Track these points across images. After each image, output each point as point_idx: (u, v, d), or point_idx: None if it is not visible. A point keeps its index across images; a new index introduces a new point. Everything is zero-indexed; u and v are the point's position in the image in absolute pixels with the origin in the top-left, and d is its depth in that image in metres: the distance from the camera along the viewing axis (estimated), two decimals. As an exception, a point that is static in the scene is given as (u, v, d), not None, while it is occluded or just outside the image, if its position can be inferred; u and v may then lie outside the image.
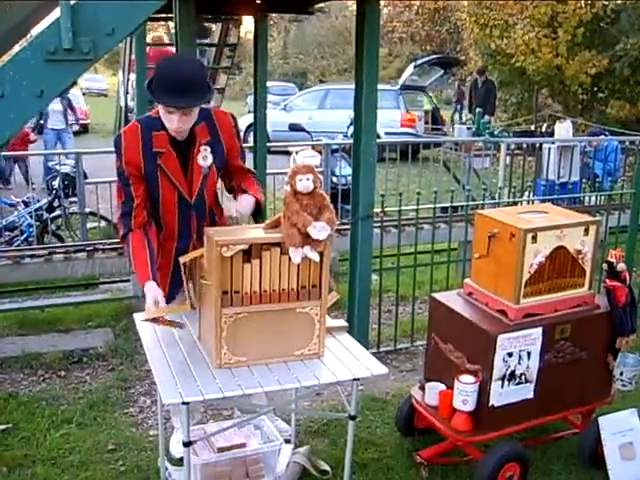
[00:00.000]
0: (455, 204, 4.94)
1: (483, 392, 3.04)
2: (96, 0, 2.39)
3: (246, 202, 2.87)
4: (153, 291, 2.72)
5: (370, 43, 4.10)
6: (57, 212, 7.27)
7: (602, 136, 10.31)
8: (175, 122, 2.74)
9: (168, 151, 2.84)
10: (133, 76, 8.26)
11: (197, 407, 3.37)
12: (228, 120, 2.99)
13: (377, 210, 4.55)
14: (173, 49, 10.45)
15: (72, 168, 7.37)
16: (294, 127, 9.57)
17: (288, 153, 8.74)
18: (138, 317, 2.97)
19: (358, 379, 2.59)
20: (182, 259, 2.71)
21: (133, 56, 8.06)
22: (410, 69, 15.63)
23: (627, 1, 14.36)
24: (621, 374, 3.41)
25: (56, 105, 11.12)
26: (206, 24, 8.80)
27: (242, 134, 14.80)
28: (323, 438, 3.59)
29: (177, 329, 2.76)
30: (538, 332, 3.07)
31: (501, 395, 3.06)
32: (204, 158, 2.89)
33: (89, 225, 7.21)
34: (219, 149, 2.93)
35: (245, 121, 15.54)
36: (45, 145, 11.27)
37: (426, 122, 15.74)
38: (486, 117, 12.15)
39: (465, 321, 3.17)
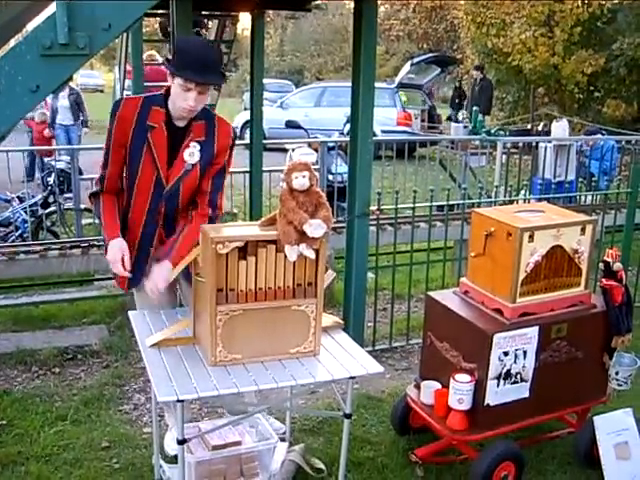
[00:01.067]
0: (451, 202, 4.95)
1: (479, 391, 3.04)
2: (92, -5, 2.37)
3: (157, 274, 2.83)
4: (119, 244, 2.85)
5: (367, 41, 4.09)
6: (52, 208, 7.26)
7: (599, 134, 10.32)
8: (192, 99, 2.75)
9: (160, 128, 2.84)
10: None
11: (186, 405, 3.35)
12: (229, 131, 2.99)
13: (373, 208, 4.55)
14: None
15: (67, 164, 7.35)
16: (290, 124, 9.57)
17: (284, 150, 8.73)
18: (133, 314, 2.97)
19: (354, 377, 2.58)
20: (174, 272, 2.72)
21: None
22: (407, 67, 15.65)
23: (624, 1, 14.38)
24: (617, 373, 3.40)
25: (64, 101, 11.14)
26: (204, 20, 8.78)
27: (238, 131, 14.83)
28: (318, 436, 3.59)
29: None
30: (534, 331, 3.07)
31: (497, 394, 3.06)
32: (190, 155, 2.88)
33: (84, 221, 7.19)
34: (208, 152, 2.91)
35: (241, 118, 15.53)
36: (56, 141, 11.29)
37: (422, 120, 15.75)
38: (479, 116, 12.14)
39: (461, 320, 3.17)
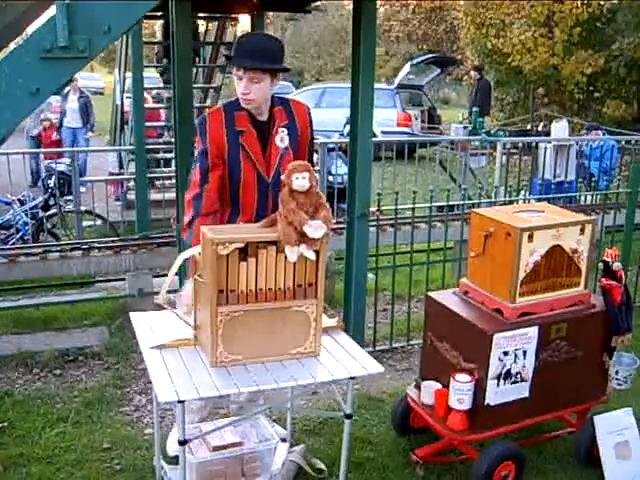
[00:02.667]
0: (451, 203, 4.95)
1: (479, 391, 3.04)
2: (92, -1, 2.38)
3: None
4: None
5: (367, 41, 4.10)
6: (53, 210, 7.27)
7: (599, 131, 10.33)
8: (242, 87, 2.84)
9: (249, 130, 2.94)
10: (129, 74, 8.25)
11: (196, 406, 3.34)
12: (304, 108, 3.15)
13: (373, 209, 4.55)
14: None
15: (67, 166, 7.36)
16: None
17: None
18: (134, 316, 2.97)
19: (354, 378, 2.58)
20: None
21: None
22: (407, 68, 15.65)
23: (623, 1, 14.39)
24: (616, 373, 3.41)
25: (73, 104, 11.12)
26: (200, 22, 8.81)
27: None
28: (319, 437, 3.59)
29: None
30: (534, 331, 3.08)
31: (497, 394, 3.06)
32: (281, 139, 2.98)
33: (85, 223, 7.20)
34: (294, 132, 3.03)
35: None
36: (64, 143, 11.27)
37: (422, 121, 15.76)
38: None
39: (461, 320, 3.17)
